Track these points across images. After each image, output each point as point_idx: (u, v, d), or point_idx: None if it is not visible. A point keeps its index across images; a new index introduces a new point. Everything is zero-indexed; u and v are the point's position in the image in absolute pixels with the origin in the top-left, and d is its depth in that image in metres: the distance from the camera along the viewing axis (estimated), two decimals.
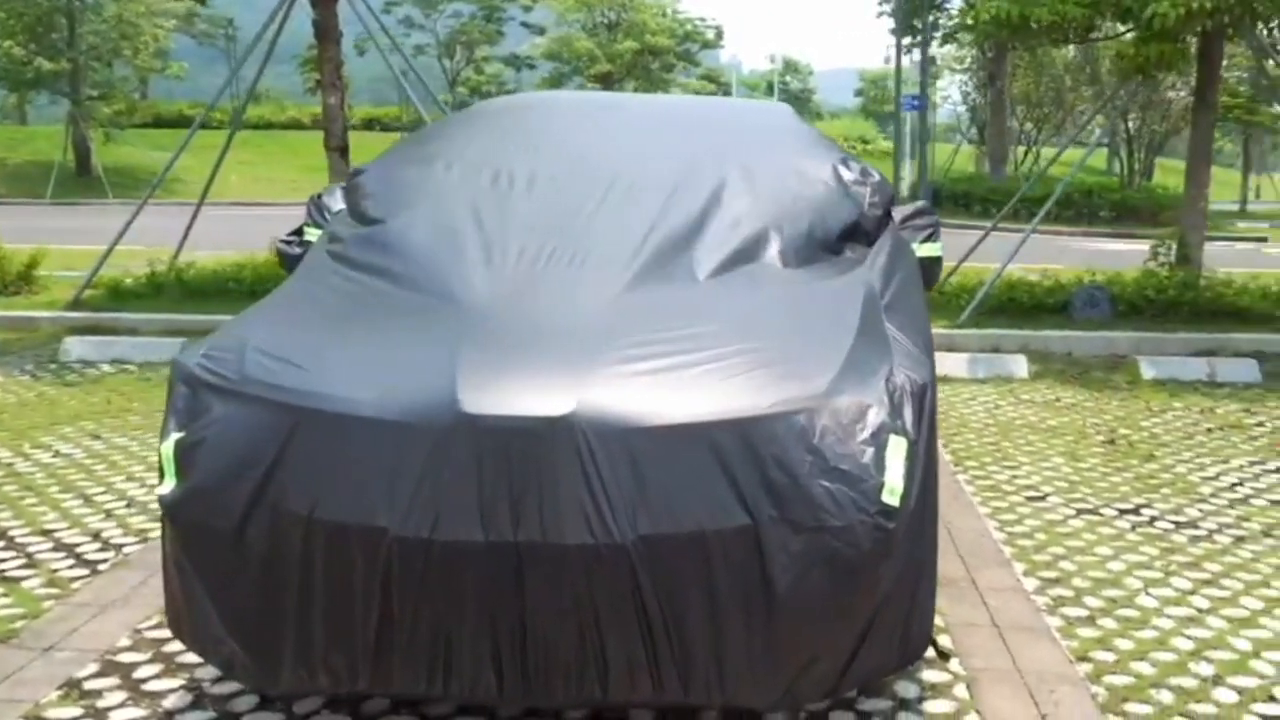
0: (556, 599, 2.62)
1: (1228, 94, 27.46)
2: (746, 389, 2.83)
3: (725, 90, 58.25)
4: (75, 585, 4.24)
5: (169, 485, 2.87)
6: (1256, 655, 3.76)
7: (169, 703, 3.37)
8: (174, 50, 39.33)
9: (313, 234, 4.36)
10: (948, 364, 8.10)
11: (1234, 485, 5.65)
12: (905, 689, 3.47)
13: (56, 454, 6.02)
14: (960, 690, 3.49)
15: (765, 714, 3.25)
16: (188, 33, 45.92)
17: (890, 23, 34.47)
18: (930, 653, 3.26)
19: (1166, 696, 3.47)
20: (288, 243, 4.51)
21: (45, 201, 26.93)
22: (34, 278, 11.28)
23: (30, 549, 4.62)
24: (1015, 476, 5.78)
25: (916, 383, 3.02)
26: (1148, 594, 4.25)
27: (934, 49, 34.32)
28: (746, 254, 3.51)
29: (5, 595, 4.14)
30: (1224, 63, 10.61)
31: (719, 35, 56.23)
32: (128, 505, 5.20)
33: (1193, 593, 4.28)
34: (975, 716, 3.33)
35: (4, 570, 4.39)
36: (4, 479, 5.56)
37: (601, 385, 2.74)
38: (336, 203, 4.38)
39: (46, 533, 4.81)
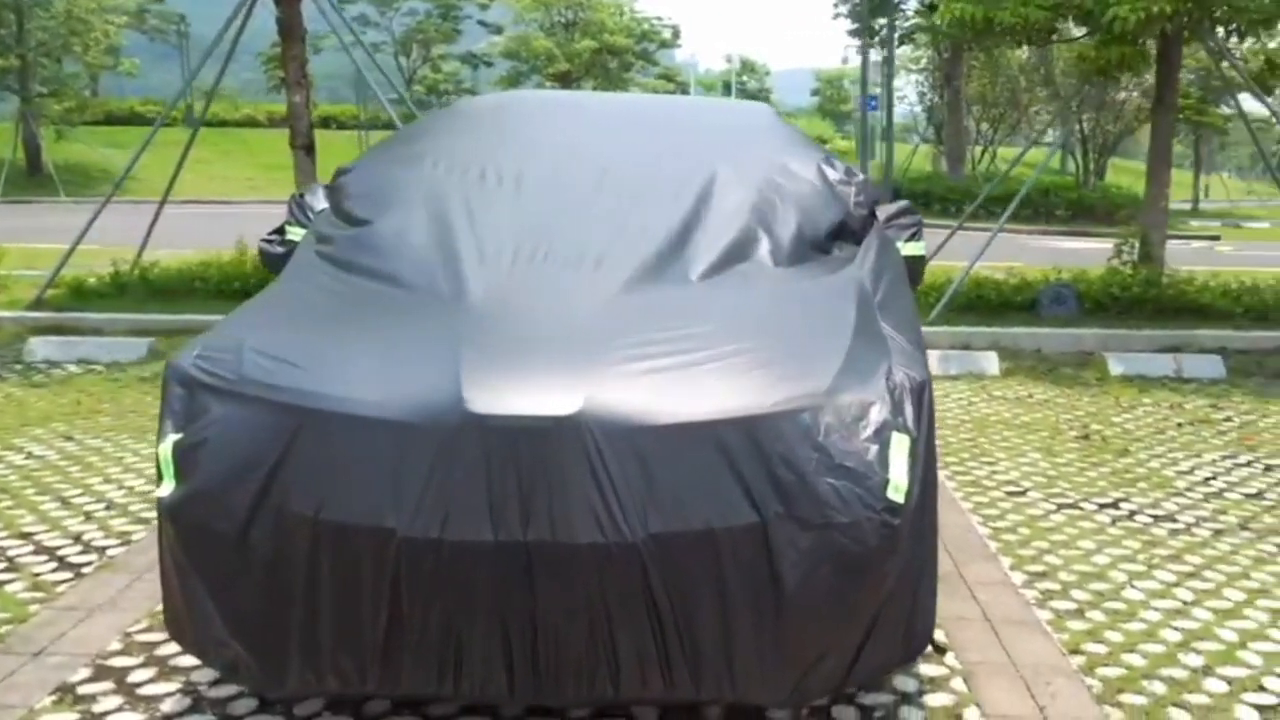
0: (567, 598, 2.62)
1: (1182, 95, 27.91)
2: (751, 387, 2.84)
3: (683, 89, 58.35)
4: (60, 589, 4.18)
5: (168, 487, 2.83)
6: (1243, 646, 3.82)
7: (167, 707, 3.33)
8: (125, 47, 38.82)
9: (295, 233, 4.32)
10: None
11: (1208, 479, 5.75)
12: (904, 683, 3.49)
13: (29, 455, 5.93)
14: (958, 683, 3.52)
15: (769, 710, 3.27)
16: (139, 29, 45.33)
17: (847, 24, 34.80)
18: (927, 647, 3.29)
19: (1159, 687, 3.52)
20: (269, 242, 4.46)
21: None
22: None
23: (10, 552, 4.55)
24: (994, 472, 5.84)
25: (915, 380, 3.05)
26: (1133, 587, 4.32)
27: (886, 50, 34.65)
28: (741, 253, 3.52)
29: None
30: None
31: (676, 35, 56.34)
32: (107, 507, 5.13)
33: (1177, 585, 4.34)
34: (975, 710, 3.36)
35: None
36: None
37: (608, 384, 2.74)
38: (319, 201, 4.34)
39: (25, 536, 4.74)
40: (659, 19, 54.52)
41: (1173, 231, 23.27)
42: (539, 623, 2.63)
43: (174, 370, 3.00)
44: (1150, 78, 11.68)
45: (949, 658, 3.67)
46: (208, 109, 11.67)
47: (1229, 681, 3.57)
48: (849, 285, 3.53)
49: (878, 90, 29.65)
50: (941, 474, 5.71)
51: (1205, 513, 5.21)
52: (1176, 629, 3.95)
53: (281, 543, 2.69)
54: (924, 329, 3.55)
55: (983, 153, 38.46)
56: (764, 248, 3.57)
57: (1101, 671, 3.62)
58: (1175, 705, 3.41)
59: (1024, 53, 31.69)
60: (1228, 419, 7.10)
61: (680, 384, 2.80)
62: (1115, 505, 5.30)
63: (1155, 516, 5.15)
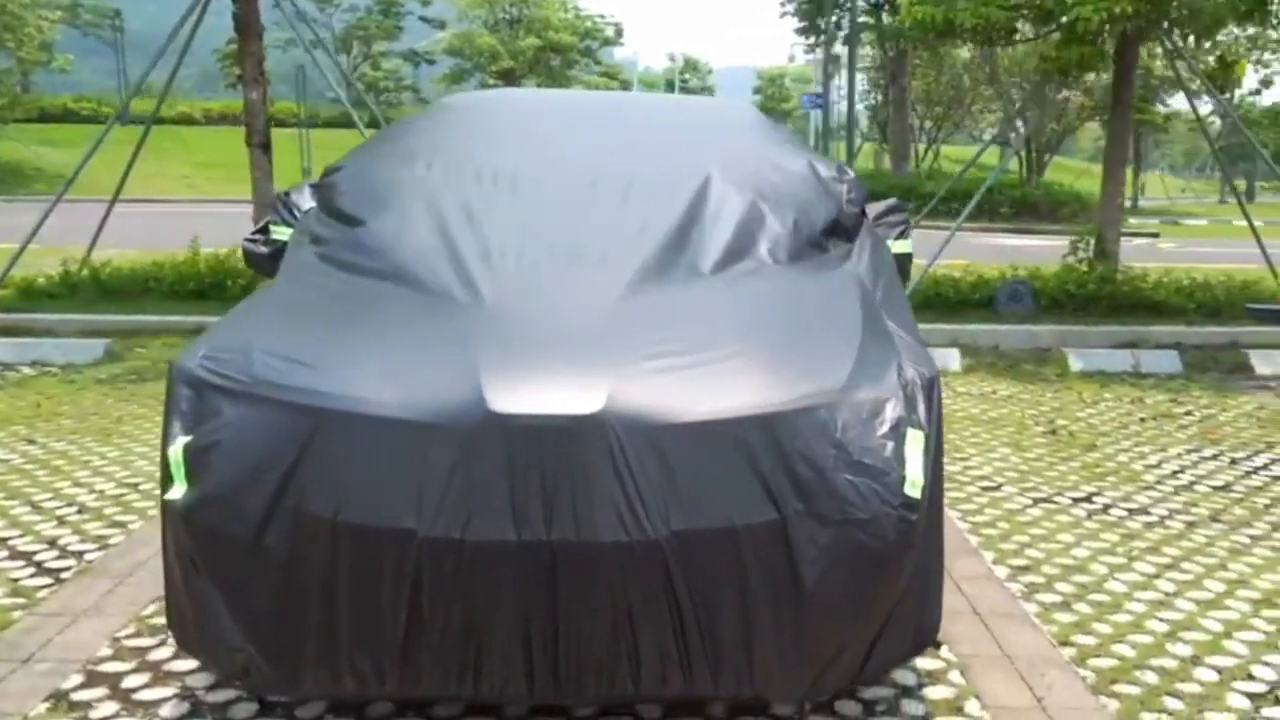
0: (590, 596, 2.62)
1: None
2: (768, 384, 2.85)
3: (625, 87, 58.38)
4: (41, 594, 4.10)
5: (180, 490, 2.78)
6: (1228, 636, 3.90)
7: (165, 712, 3.28)
8: (58, 42, 38.08)
9: (281, 232, 4.27)
10: None
11: (1176, 473, 5.86)
12: (903, 676, 3.53)
13: None
14: (956, 676, 3.56)
15: (773, 705, 3.30)
16: (73, 24, 44.49)
17: (795, 22, 35.03)
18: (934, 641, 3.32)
19: (1151, 677, 3.59)
20: (253, 241, 4.41)
21: None
22: None
23: None
24: (968, 468, 5.91)
25: (925, 376, 3.08)
26: (1115, 579, 4.39)
27: (836, 48, 34.93)
28: (744, 250, 3.53)
29: None
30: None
31: (619, 33, 56.36)
32: (79, 511, 5.04)
33: (1157, 577, 4.43)
34: (976, 702, 3.40)
35: None
36: None
37: (628, 382, 2.73)
38: (305, 200, 4.29)
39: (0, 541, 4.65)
40: (602, 17, 54.52)
41: (1085, 229, 23.77)
42: (561, 622, 2.62)
43: (180, 372, 2.95)
44: (1092, 79, 11.89)
45: (944, 651, 3.71)
46: (160, 107, 11.45)
47: (1219, 671, 3.64)
48: (850, 282, 3.57)
49: (819, 89, 29.90)
50: None
51: (1177, 505, 5.31)
52: (1162, 620, 4.02)
53: (298, 545, 2.65)
54: None
55: (926, 150, 38.89)
56: (765, 245, 3.58)
57: (1093, 662, 3.68)
58: (1169, 694, 3.48)
59: (966, 51, 32.15)
60: (1188, 413, 7.25)
61: (698, 381, 2.81)
62: (1089, 499, 5.39)
63: (1129, 510, 5.24)
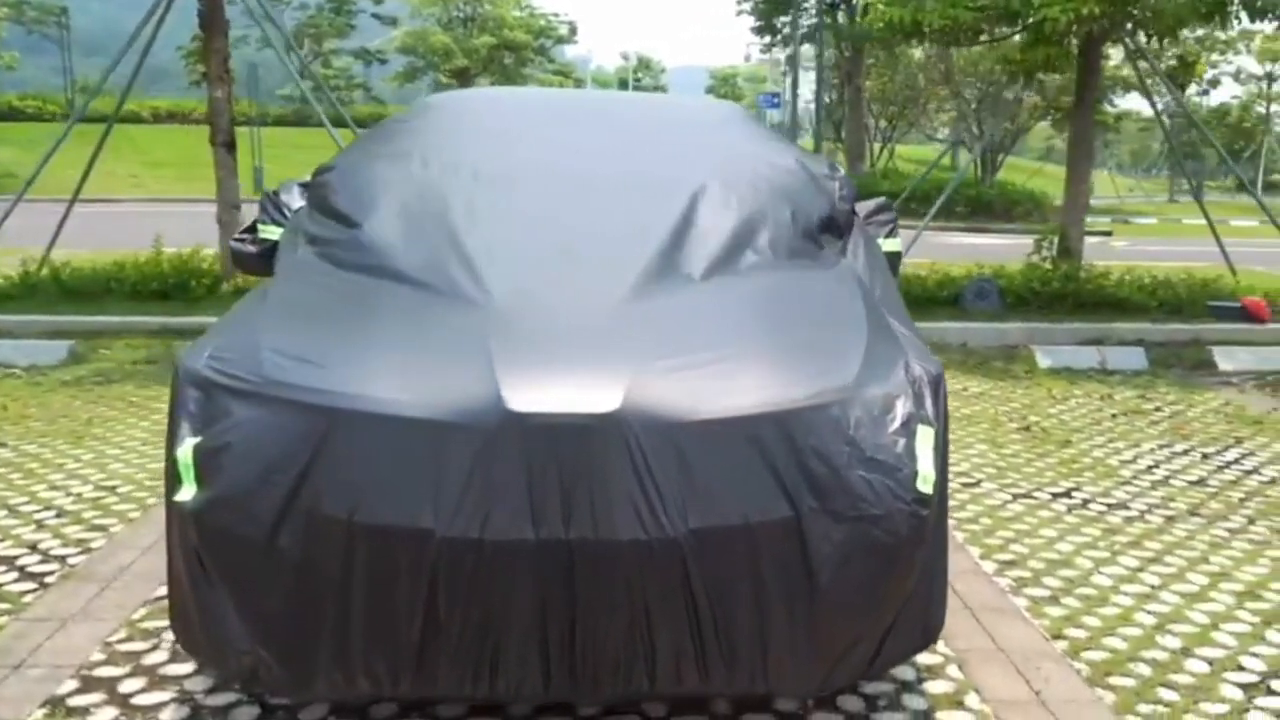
0: (608, 594, 2.62)
1: (1066, 93, 28.79)
2: (780, 381, 2.86)
3: (579, 84, 58.29)
4: (26, 599, 4.03)
5: (189, 492, 2.74)
6: (1215, 628, 3.97)
7: (165, 716, 3.24)
8: (2, 40, 37.45)
9: (270, 232, 4.24)
10: None
11: (1150, 468, 5.95)
12: (903, 672, 3.55)
13: None
14: (953, 670, 3.60)
15: (775, 700, 3.32)
16: (17, 21, 43.76)
17: (750, 21, 35.10)
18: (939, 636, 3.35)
19: (1144, 669, 3.64)
20: (241, 241, 4.37)
21: None
22: None
23: None
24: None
25: (931, 373, 3.11)
26: (1100, 573, 4.45)
27: (792, 48, 35.11)
28: (746, 248, 3.53)
29: None
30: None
31: (573, 31, 56.31)
32: (58, 515, 4.96)
33: (1141, 570, 4.49)
34: (975, 696, 3.44)
35: None
36: None
37: (643, 380, 2.73)
38: (295, 200, 4.26)
39: None
40: (555, 15, 54.44)
41: (1049, 227, 24.12)
42: (579, 620, 2.62)
43: (186, 373, 2.91)
44: (1045, 79, 12.05)
45: (940, 645, 3.74)
46: (121, 106, 11.28)
47: (1209, 662, 3.70)
48: (850, 280, 3.60)
49: (778, 88, 29.98)
50: None
51: (1155, 500, 5.39)
52: (1149, 612, 4.08)
53: (312, 546, 2.63)
54: None
55: (881, 150, 39.18)
56: (767, 243, 3.59)
57: (1087, 655, 3.73)
58: (1163, 686, 3.53)
59: (919, 52, 32.42)
60: (1157, 409, 7.36)
61: (712, 379, 2.81)
62: (1068, 494, 5.46)
63: (1108, 505, 5.31)
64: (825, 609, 2.74)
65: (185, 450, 2.77)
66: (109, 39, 10.21)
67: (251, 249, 4.28)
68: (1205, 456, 6.20)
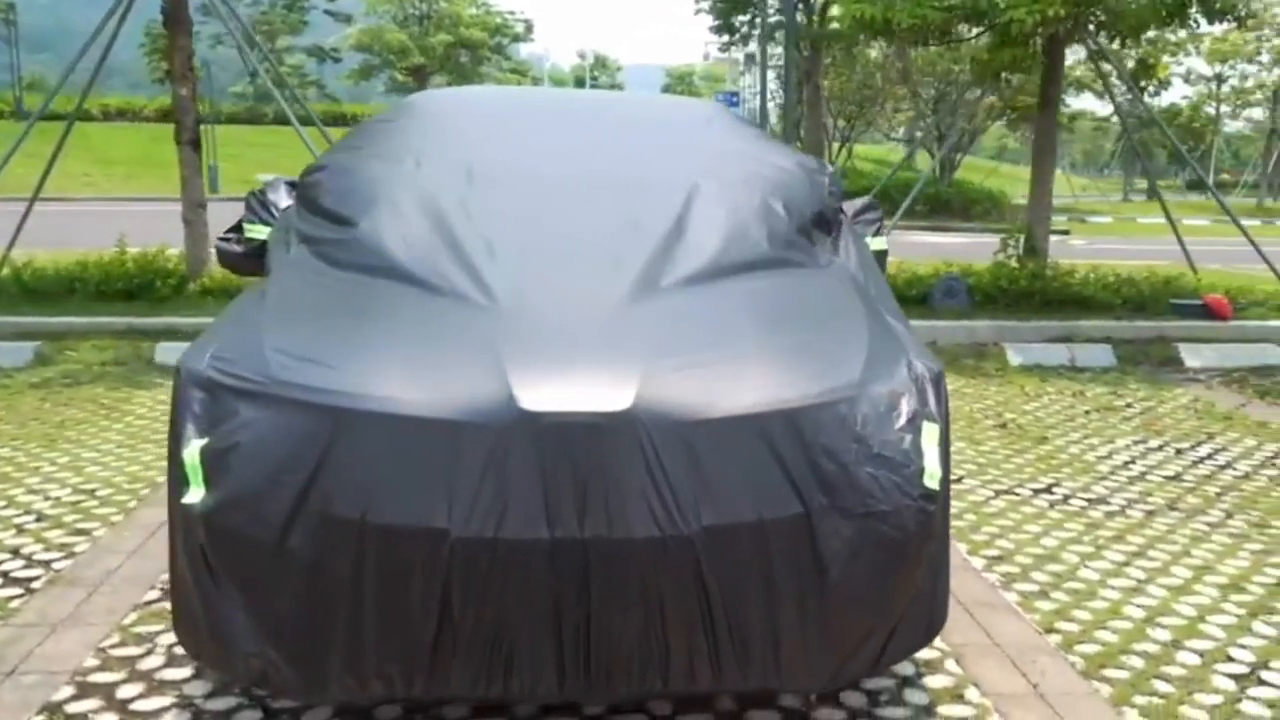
0: (623, 593, 2.62)
1: (1023, 93, 29.10)
2: (788, 379, 2.88)
3: (535, 83, 58.11)
4: (14, 605, 3.97)
5: (197, 494, 2.72)
6: (1202, 620, 4.03)
7: None
8: None
9: (257, 231, 4.20)
10: None
11: (1127, 463, 6.04)
12: (902, 667, 3.58)
13: None
14: (952, 665, 3.63)
15: (779, 697, 3.33)
16: None
17: (708, 20, 35.13)
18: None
19: (1137, 662, 3.69)
20: (226, 240, 4.33)
21: None
22: None
23: None
24: None
25: (934, 370, 3.15)
26: (1087, 567, 4.51)
27: (752, 46, 35.22)
28: (746, 246, 3.53)
29: None
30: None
31: (529, 29, 56.21)
32: (38, 519, 4.89)
33: (1126, 564, 4.55)
34: (975, 690, 3.48)
35: None
36: None
37: (655, 379, 2.73)
38: (283, 198, 4.22)
39: None
40: (511, 13, 54.33)
41: (1015, 226, 24.46)
42: (593, 619, 2.62)
43: (189, 374, 2.87)
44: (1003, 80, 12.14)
45: (937, 640, 3.77)
46: (82, 103, 11.13)
47: (1200, 654, 3.76)
48: (846, 277, 3.62)
49: (736, 87, 30.04)
50: None
51: (1133, 495, 5.47)
52: (1138, 606, 4.14)
53: (324, 547, 2.61)
54: None
55: (839, 149, 39.37)
56: (765, 240, 3.59)
57: (1080, 649, 3.78)
58: (1157, 678, 3.58)
59: (875, 51, 32.61)
60: (1129, 405, 7.47)
61: (721, 377, 2.82)
62: (1049, 490, 5.53)
63: (1089, 500, 5.38)
64: (835, 604, 2.76)
65: (192, 452, 2.74)
66: (58, 36, 10.05)
67: (238, 248, 4.24)
68: (1179, 452, 6.29)
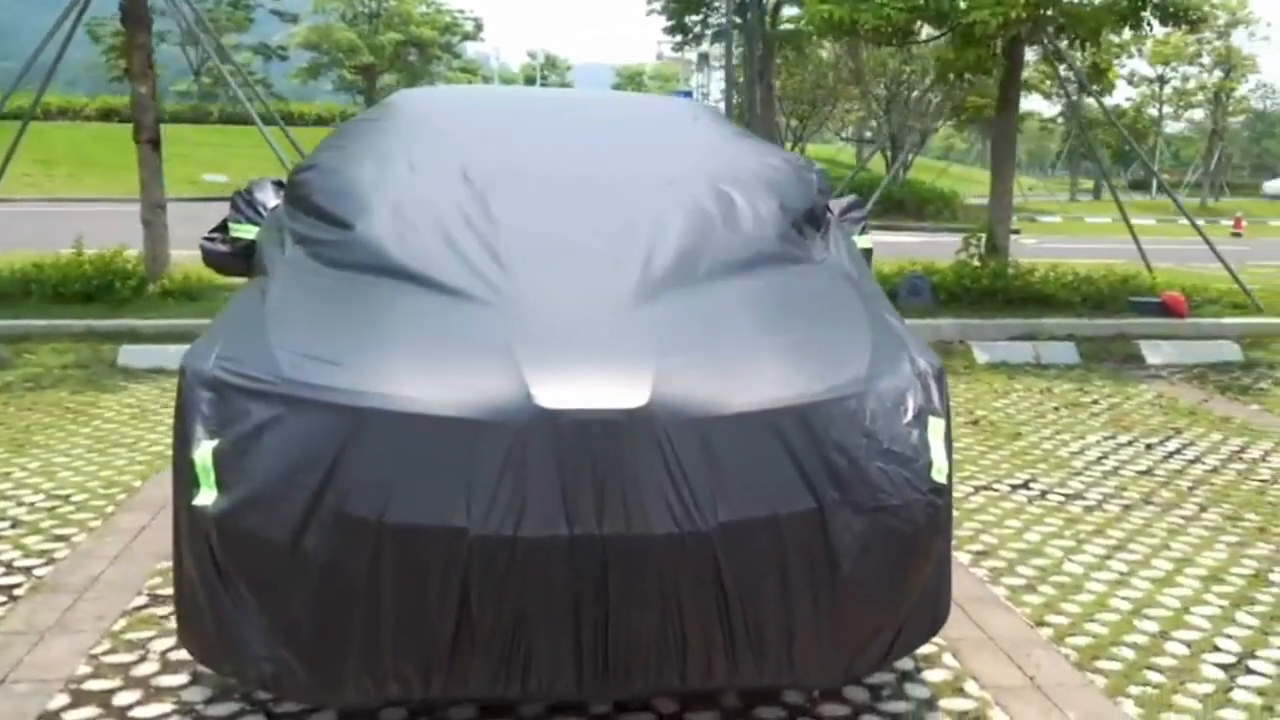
0: (642, 590, 2.62)
1: (977, 94, 29.45)
2: (799, 375, 2.89)
3: (486, 81, 57.92)
4: None
5: (209, 496, 2.68)
6: (1187, 611, 4.11)
7: None
8: None
9: (243, 231, 4.15)
10: None
11: (1100, 459, 6.13)
12: (901, 661, 3.59)
13: None
14: (949, 659, 3.67)
15: (782, 693, 3.35)
16: None
17: (660, 20, 35.21)
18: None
19: (1128, 653, 3.75)
20: (211, 240, 4.27)
21: None
22: None
23: None
24: None
25: (935, 366, 3.19)
26: (1071, 561, 4.57)
27: (705, 46, 35.36)
28: (744, 243, 3.54)
29: None
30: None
31: (479, 28, 55.95)
32: (13, 525, 4.80)
33: (1108, 558, 4.63)
34: (974, 683, 3.52)
35: None
36: None
37: (668, 375, 2.74)
38: (270, 198, 4.18)
39: None
40: (461, 12, 54.05)
41: (974, 226, 24.73)
42: (612, 616, 2.62)
43: (196, 375, 2.84)
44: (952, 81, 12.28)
45: None
46: (38, 103, 10.93)
47: (1187, 644, 3.83)
48: (842, 274, 3.65)
49: (689, 87, 30.10)
50: None
51: (1109, 489, 5.56)
52: (1124, 598, 4.21)
53: (340, 547, 2.59)
54: None
55: (792, 148, 39.59)
56: (762, 237, 3.60)
57: (1071, 641, 3.83)
58: (1148, 668, 3.65)
59: (825, 52, 32.80)
60: (1095, 402, 7.58)
61: (734, 373, 2.83)
62: (1026, 486, 5.60)
63: (1066, 495, 5.46)
64: (849, 599, 2.78)
65: (203, 454, 2.71)
66: (9, 37, 9.87)
67: (224, 248, 4.19)
68: (1149, 447, 6.40)
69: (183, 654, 3.54)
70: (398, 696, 2.77)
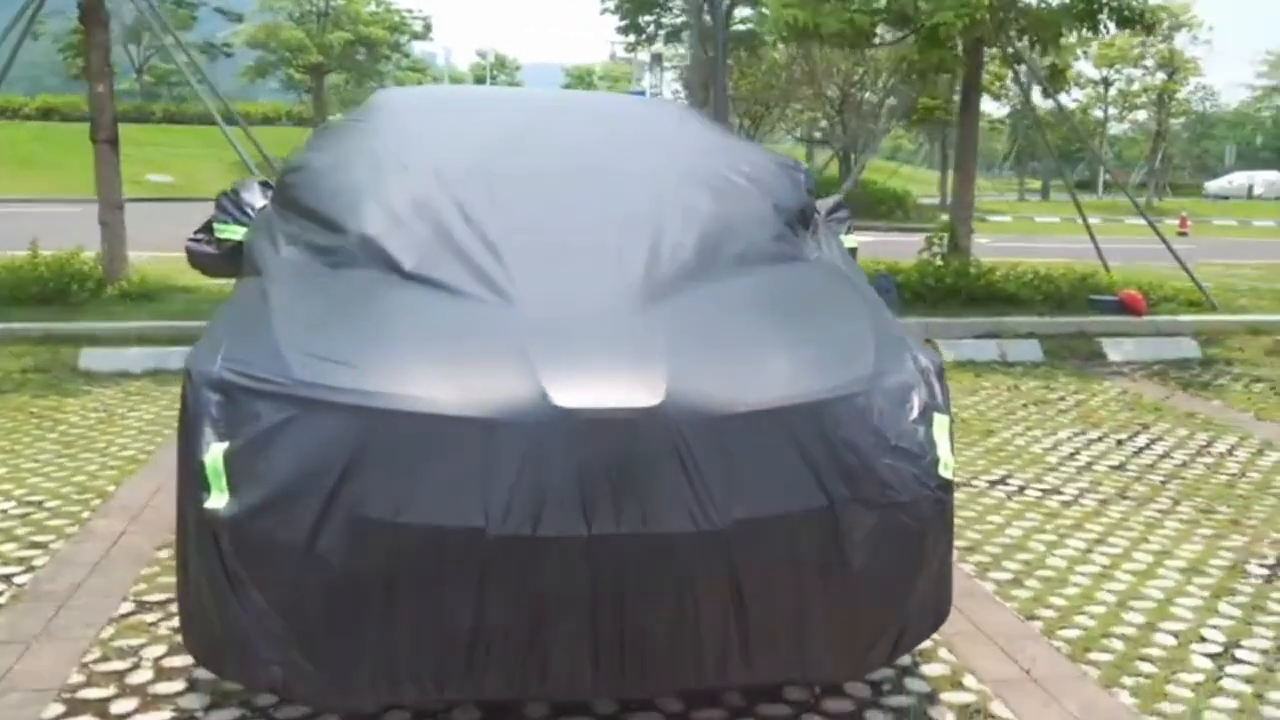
0: (659, 588, 2.62)
1: (929, 96, 29.73)
2: (809, 373, 2.91)
3: (436, 82, 57.54)
4: None
5: (221, 499, 2.65)
6: (1171, 602, 4.18)
7: None
8: None
9: (229, 232, 4.10)
10: None
11: (1072, 454, 6.21)
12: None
13: None
14: (945, 654, 3.71)
15: (784, 689, 3.37)
16: None
17: (613, 20, 35.19)
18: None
19: (1118, 644, 3.81)
20: (197, 241, 4.23)
21: None
22: None
23: None
24: None
25: (935, 363, 3.22)
26: (1054, 555, 4.63)
27: (658, 46, 35.41)
28: (742, 242, 3.56)
29: None
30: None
31: (428, 27, 55.58)
32: None
33: (1090, 552, 4.69)
34: (972, 677, 3.55)
35: None
36: None
37: (682, 375, 2.74)
38: (258, 198, 4.13)
39: None
40: (410, 11, 53.68)
41: (928, 225, 24.94)
42: (629, 615, 2.62)
43: (203, 376, 2.80)
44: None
45: None
46: None
47: (1175, 635, 3.90)
48: (837, 272, 3.68)
49: (641, 87, 30.07)
50: None
51: (1084, 484, 5.64)
52: (1109, 591, 4.27)
53: (355, 549, 2.56)
54: None
55: None
56: (759, 236, 3.62)
57: (1062, 634, 3.89)
58: (1140, 659, 3.70)
59: (779, 53, 32.95)
60: (1062, 399, 7.68)
61: (743, 372, 2.84)
62: (1003, 482, 5.67)
63: (1043, 490, 5.53)
64: (860, 595, 2.81)
65: (214, 456, 2.67)
66: None
67: (211, 249, 4.14)
68: (1119, 443, 6.49)
69: (177, 661, 3.51)
70: (413, 699, 2.75)
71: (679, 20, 33.37)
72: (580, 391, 2.64)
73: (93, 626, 3.80)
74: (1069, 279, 11.23)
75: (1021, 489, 5.54)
